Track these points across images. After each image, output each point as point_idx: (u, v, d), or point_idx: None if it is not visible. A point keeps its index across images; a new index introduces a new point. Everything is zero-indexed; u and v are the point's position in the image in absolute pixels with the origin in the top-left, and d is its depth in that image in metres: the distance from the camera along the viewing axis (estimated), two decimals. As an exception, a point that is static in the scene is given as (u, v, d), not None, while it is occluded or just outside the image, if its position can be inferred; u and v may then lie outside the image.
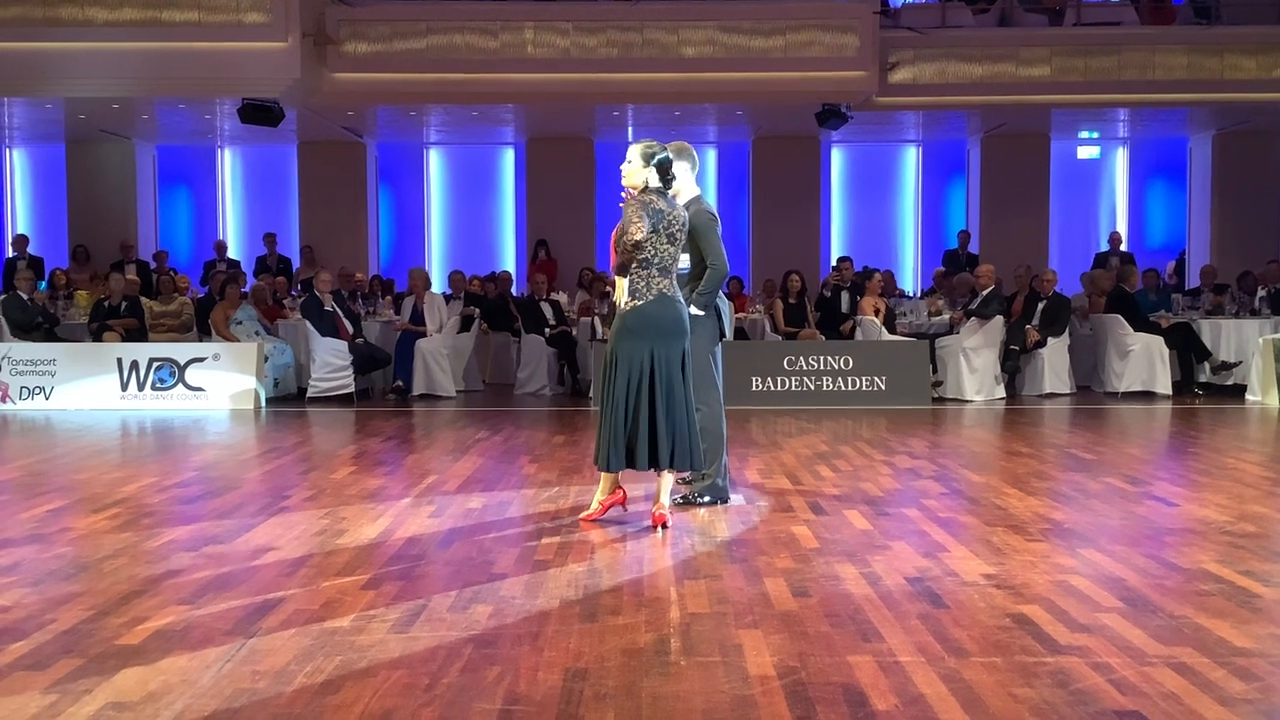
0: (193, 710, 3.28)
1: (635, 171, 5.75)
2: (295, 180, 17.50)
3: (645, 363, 5.68)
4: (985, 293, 12.12)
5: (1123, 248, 16.44)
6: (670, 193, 5.86)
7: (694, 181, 6.33)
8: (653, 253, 5.66)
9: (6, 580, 4.74)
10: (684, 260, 6.12)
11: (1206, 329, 12.55)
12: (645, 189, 5.72)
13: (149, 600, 4.43)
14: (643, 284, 5.70)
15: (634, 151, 5.77)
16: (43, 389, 11.46)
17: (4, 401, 11.41)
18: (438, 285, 15.98)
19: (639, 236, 5.55)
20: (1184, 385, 12.30)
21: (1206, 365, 12.40)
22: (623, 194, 5.85)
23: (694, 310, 6.04)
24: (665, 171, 5.74)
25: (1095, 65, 14.31)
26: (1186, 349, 12.42)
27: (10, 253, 16.40)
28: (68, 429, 9.99)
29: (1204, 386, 12.39)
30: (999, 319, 11.99)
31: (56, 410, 11.22)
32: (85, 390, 11.43)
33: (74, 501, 6.51)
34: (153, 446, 9.35)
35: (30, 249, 16.21)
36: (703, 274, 6.17)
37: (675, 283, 5.83)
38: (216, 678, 3.55)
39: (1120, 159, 18.19)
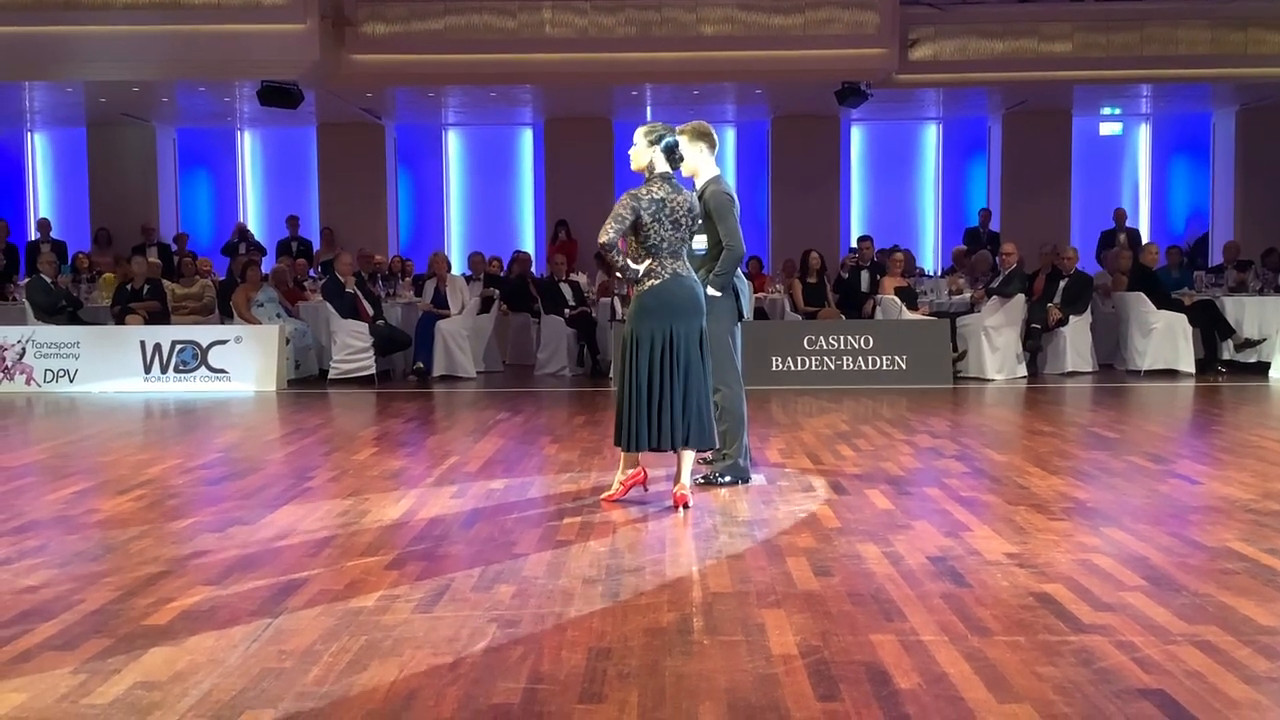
0: (220, 689, 3.31)
1: (639, 154, 5.74)
2: (315, 162, 17.57)
3: (663, 341, 5.67)
4: (1007, 271, 12.05)
5: (1129, 224, 16.29)
6: (685, 173, 5.83)
7: (713, 162, 6.30)
8: (658, 239, 5.64)
9: (35, 561, 4.79)
10: (701, 241, 6.11)
11: (1230, 306, 12.45)
12: (651, 175, 5.70)
13: (175, 581, 4.47)
14: (656, 266, 5.69)
15: (638, 134, 5.77)
16: (67, 372, 11.54)
17: (29, 384, 11.50)
18: (457, 267, 16.01)
19: (603, 239, 5.54)
20: (1207, 363, 12.21)
21: (1230, 343, 12.30)
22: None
23: (711, 291, 6.02)
24: (671, 154, 5.72)
25: (1118, 41, 14.18)
26: (1210, 326, 12.32)
27: (33, 236, 16.51)
28: (92, 411, 10.06)
29: (1227, 364, 12.29)
30: (1020, 297, 11.92)
31: (80, 393, 11.30)
32: (109, 373, 11.51)
33: (100, 483, 6.56)
34: (176, 428, 9.41)
35: (52, 233, 16.31)
36: (719, 255, 6.15)
37: (689, 262, 5.82)
38: (243, 657, 3.58)
39: (1143, 135, 18.04)
